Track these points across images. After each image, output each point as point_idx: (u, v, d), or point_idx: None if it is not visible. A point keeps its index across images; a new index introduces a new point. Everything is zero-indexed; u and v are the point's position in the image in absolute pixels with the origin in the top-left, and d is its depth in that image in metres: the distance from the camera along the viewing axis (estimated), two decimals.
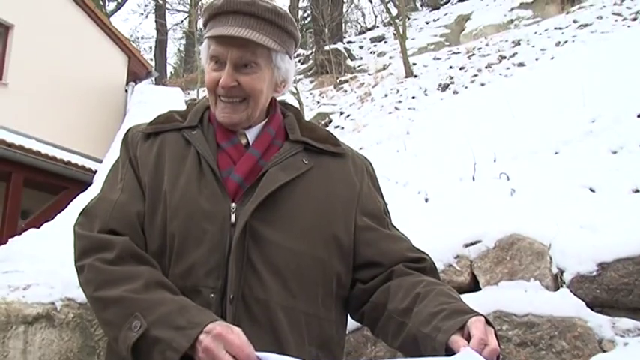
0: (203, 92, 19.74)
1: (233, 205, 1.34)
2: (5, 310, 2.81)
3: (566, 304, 2.67)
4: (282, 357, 1.14)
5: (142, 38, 31.45)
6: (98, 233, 1.34)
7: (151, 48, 30.15)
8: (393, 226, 1.53)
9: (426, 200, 4.53)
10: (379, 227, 1.46)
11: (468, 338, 1.15)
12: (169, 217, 1.34)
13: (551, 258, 2.95)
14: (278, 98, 1.56)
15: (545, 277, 2.90)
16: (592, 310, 2.68)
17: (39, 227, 9.68)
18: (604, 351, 2.51)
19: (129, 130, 1.52)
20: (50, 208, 10.05)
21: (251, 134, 1.46)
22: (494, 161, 5.03)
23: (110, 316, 1.24)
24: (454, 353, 1.15)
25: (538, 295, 2.79)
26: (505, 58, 10.60)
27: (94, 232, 1.35)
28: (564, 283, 2.83)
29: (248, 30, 1.37)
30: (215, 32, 1.39)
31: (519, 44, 11.35)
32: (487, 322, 1.20)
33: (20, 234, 9.23)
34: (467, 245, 3.20)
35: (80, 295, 2.90)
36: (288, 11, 1.52)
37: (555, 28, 11.87)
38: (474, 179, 4.67)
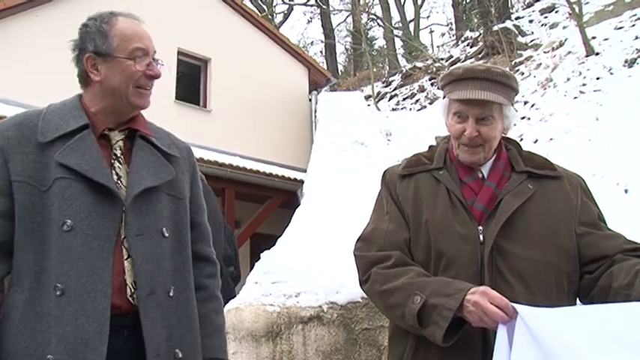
0: (377, 88, 20.18)
1: (480, 227, 1.70)
2: (287, 313, 3.62)
3: None
4: (532, 307, 1.44)
5: (311, 44, 32.46)
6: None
7: (321, 52, 31.01)
8: (609, 228, 1.78)
9: (626, 191, 4.58)
10: (596, 231, 1.73)
11: None
12: (434, 240, 1.72)
13: None
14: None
15: None
16: None
17: (251, 234, 10.78)
18: None
19: (386, 172, 1.97)
20: (259, 216, 11.13)
21: (485, 169, 1.82)
22: None
23: (396, 300, 1.63)
24: None
25: None
26: None
27: (372, 252, 1.78)
28: None
29: (486, 92, 1.73)
30: (460, 95, 1.77)
31: None
32: None
33: (238, 242, 10.40)
34: None
35: (340, 299, 3.62)
36: (510, 71, 1.96)
37: None
38: None
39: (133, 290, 1.61)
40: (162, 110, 11.46)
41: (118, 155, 1.73)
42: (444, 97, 1.89)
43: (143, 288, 1.61)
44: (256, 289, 3.92)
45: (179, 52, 12.52)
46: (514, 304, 1.44)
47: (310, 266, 4.09)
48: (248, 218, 11.24)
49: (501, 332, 1.44)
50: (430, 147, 2.00)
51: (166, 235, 1.71)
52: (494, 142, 1.81)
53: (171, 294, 1.68)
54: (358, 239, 1.87)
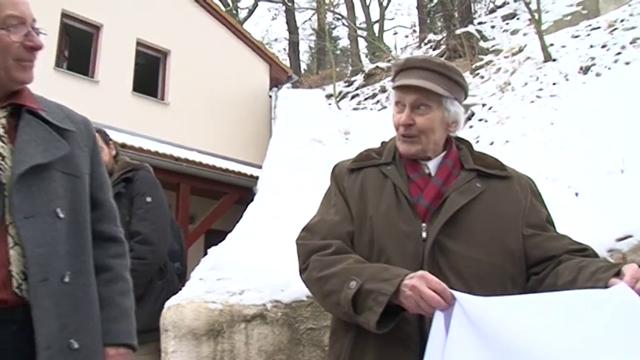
0: (339, 87, 20.23)
1: (423, 224, 1.68)
2: (229, 311, 3.50)
3: None
4: (471, 296, 1.43)
5: (275, 40, 32.43)
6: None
7: (284, 49, 31.01)
8: (556, 231, 1.77)
9: (576, 194, 4.65)
10: (542, 232, 1.72)
11: None
12: (376, 236, 1.71)
13: None
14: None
15: None
16: None
17: (206, 230, 10.69)
18: None
19: (335, 166, 1.96)
20: (214, 212, 11.02)
21: (433, 166, 1.81)
22: None
23: (331, 286, 1.60)
24: None
25: None
26: None
27: (313, 241, 1.76)
28: None
29: (421, 80, 1.75)
30: (397, 83, 1.80)
31: None
32: None
33: (191, 238, 10.29)
34: (619, 240, 3.39)
35: (284, 298, 3.52)
36: (454, 65, 1.92)
37: None
38: (622, 172, 4.73)
39: (21, 281, 1.48)
40: (118, 102, 11.36)
41: (2, 134, 1.57)
42: None
43: (34, 275, 1.47)
44: (200, 286, 3.80)
45: (138, 43, 12.32)
46: (452, 291, 1.43)
47: (257, 263, 4.00)
48: (203, 214, 11.14)
49: (438, 318, 1.41)
50: (382, 143, 1.98)
51: (61, 216, 1.58)
52: (432, 134, 1.80)
53: (66, 280, 1.55)
54: (303, 229, 1.85)
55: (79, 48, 11.80)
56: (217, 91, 13.21)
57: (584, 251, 1.67)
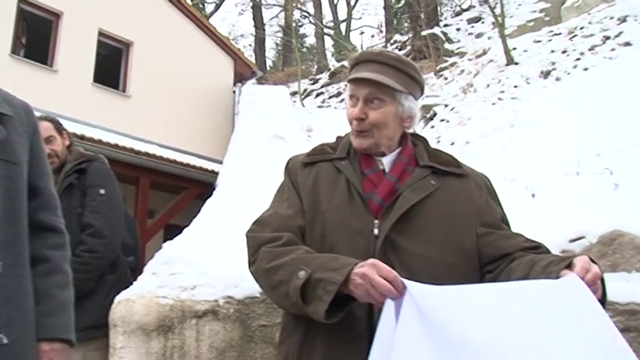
0: (304, 85, 20.23)
1: (376, 221, 1.64)
2: (181, 307, 3.43)
3: None
4: (422, 284, 1.41)
5: (241, 36, 32.24)
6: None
7: (250, 45, 30.87)
8: (510, 230, 1.75)
9: (533, 196, 4.71)
10: (497, 231, 1.70)
11: None
12: (328, 231, 1.67)
13: None
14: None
15: None
16: None
17: (164, 225, 10.55)
18: None
19: (289, 160, 1.91)
20: (173, 207, 10.87)
21: (387, 162, 1.77)
22: (598, 155, 5.09)
23: (280, 277, 1.55)
24: None
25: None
26: (609, 38, 10.17)
27: (264, 234, 1.70)
28: None
29: (375, 73, 1.70)
30: (351, 76, 1.75)
31: (625, 21, 10.76)
32: (591, 260, 1.43)
33: (150, 232, 10.14)
34: (572, 241, 3.43)
35: (237, 294, 3.46)
36: (411, 60, 1.92)
37: None
38: (578, 174, 4.82)
39: None
40: (78, 92, 11.11)
41: None
42: None
43: None
44: (152, 280, 3.72)
45: (100, 33, 12.08)
46: (403, 279, 1.40)
47: (210, 259, 3.93)
48: (162, 208, 10.96)
49: (388, 307, 1.38)
50: (337, 137, 1.94)
51: None
52: (385, 128, 1.76)
53: None
54: (254, 222, 1.79)
55: (37, 35, 11.51)
56: (180, 84, 13.01)
57: (538, 248, 1.65)
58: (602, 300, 1.44)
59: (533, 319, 1.34)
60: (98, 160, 3.41)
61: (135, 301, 3.39)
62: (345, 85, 1.90)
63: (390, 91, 1.73)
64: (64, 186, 3.19)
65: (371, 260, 1.45)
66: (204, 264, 3.88)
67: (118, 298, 3.36)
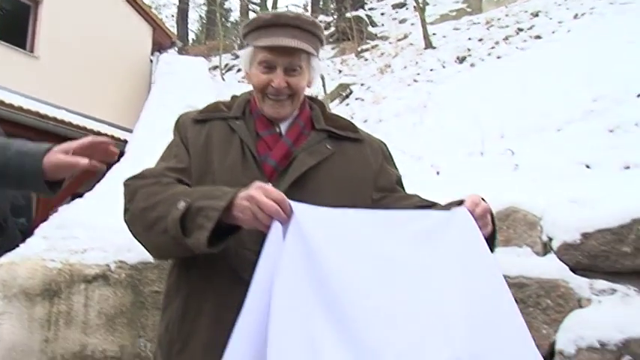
0: (225, 59, 19.83)
1: (269, 184, 1.54)
2: (69, 271, 3.26)
3: (553, 268, 3.02)
4: (309, 206, 1.38)
5: (164, 6, 31.26)
6: None
7: (173, 15, 29.97)
8: (406, 192, 1.74)
9: (437, 173, 4.81)
10: (392, 194, 1.69)
11: None
12: None
13: (542, 228, 3.29)
14: None
15: (536, 245, 3.25)
16: (574, 273, 3.02)
17: (72, 193, 10.13)
18: (582, 307, 2.89)
19: (180, 116, 1.78)
20: (81, 175, 10.43)
21: (284, 125, 1.69)
22: (502, 137, 5.26)
23: (158, 213, 1.44)
24: None
25: (529, 260, 3.14)
26: (522, 30, 10.56)
27: (143, 181, 1.58)
28: (552, 249, 3.18)
29: (296, 40, 1.61)
30: (268, 42, 1.62)
31: (538, 15, 11.26)
32: (482, 199, 1.47)
33: (58, 200, 9.70)
34: None
35: (130, 259, 3.32)
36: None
37: None
38: (482, 154, 4.94)
39: None
40: None
41: None
42: (248, 45, 1.71)
43: None
44: (40, 243, 3.52)
45: None
46: (291, 202, 1.34)
47: (105, 223, 3.74)
48: (71, 176, 10.47)
49: (275, 228, 1.32)
50: (232, 97, 1.83)
51: None
52: (302, 94, 1.70)
53: None
54: (134, 175, 1.64)
55: None
56: (94, 48, 12.40)
57: (433, 206, 1.63)
58: (493, 234, 1.49)
59: (420, 245, 1.37)
60: None
61: (19, 264, 3.20)
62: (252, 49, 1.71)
63: (307, 57, 1.66)
64: None
65: (257, 183, 1.38)
66: (97, 228, 3.71)
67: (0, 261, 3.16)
